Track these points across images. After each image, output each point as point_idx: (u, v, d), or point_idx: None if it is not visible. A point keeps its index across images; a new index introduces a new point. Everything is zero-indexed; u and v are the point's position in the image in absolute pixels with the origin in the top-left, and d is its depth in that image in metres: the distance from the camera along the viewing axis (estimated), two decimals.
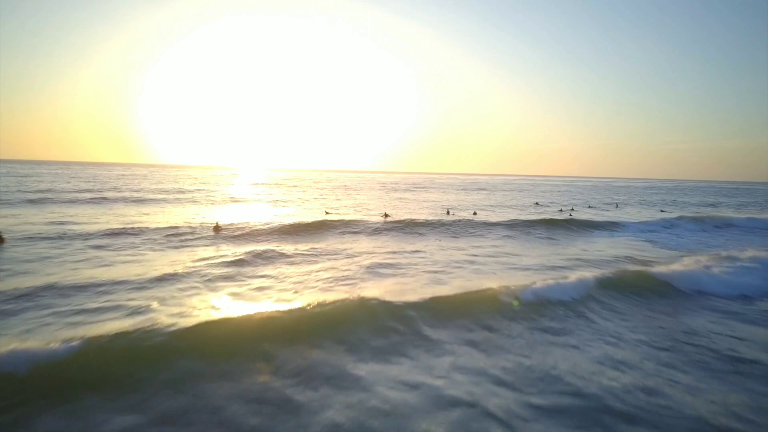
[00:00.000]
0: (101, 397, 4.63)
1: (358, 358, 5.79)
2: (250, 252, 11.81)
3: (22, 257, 10.66)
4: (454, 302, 7.79)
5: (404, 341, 6.40)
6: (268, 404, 4.64)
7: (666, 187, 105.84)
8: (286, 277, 9.68)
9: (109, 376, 5.01)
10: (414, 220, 19.20)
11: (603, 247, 15.40)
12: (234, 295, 8.28)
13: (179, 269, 9.74)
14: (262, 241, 14.23)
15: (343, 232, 16.44)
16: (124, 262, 10.57)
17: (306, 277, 9.72)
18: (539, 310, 7.78)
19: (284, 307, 7.30)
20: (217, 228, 15.64)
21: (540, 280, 9.11)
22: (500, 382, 5.20)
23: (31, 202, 24.53)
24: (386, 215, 22.85)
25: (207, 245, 13.23)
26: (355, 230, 16.89)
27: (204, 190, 41.53)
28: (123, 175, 69.66)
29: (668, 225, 21.32)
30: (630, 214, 29.04)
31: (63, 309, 7.11)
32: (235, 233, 15.24)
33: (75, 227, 15.48)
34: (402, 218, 22.06)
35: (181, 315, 6.87)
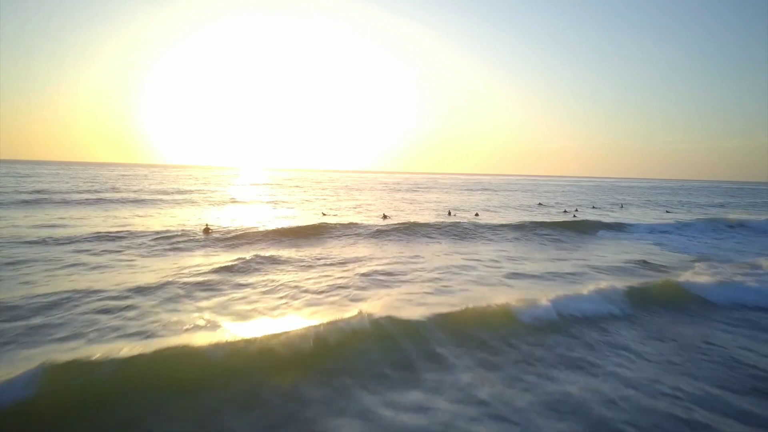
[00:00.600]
0: None
1: (356, 392, 5.06)
2: (238, 258, 11.16)
3: None
4: (464, 319, 7.06)
5: (412, 366, 5.71)
6: None
7: (670, 187, 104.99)
8: (275, 287, 8.99)
9: (56, 415, 4.37)
10: (414, 222, 18.38)
11: (613, 250, 14.80)
12: (214, 310, 7.46)
13: (160, 278, 9.11)
14: (254, 246, 13.60)
15: (339, 236, 15.73)
16: (102, 270, 9.93)
17: (297, 287, 9.01)
18: (561, 327, 7.16)
19: (271, 325, 6.62)
20: (206, 230, 15.21)
21: (558, 293, 8.40)
22: (522, 416, 4.61)
23: (26, 203, 24.06)
24: (385, 216, 22.47)
25: (195, 250, 12.58)
26: (353, 233, 16.15)
27: (203, 190, 41.05)
28: (124, 175, 69.27)
29: (679, 226, 20.53)
30: (636, 215, 28.39)
31: (13, 328, 6.37)
32: (227, 236, 14.59)
33: (62, 230, 14.92)
34: (402, 220, 21.48)
35: (150, 335, 6.26)
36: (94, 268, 10.12)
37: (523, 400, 4.91)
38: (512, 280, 10.12)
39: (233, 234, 14.93)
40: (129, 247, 12.48)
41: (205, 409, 4.60)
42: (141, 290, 8.27)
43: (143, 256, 11.55)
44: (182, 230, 15.24)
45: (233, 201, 31.23)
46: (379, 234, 16.16)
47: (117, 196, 30.25)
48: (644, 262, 12.53)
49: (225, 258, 11.49)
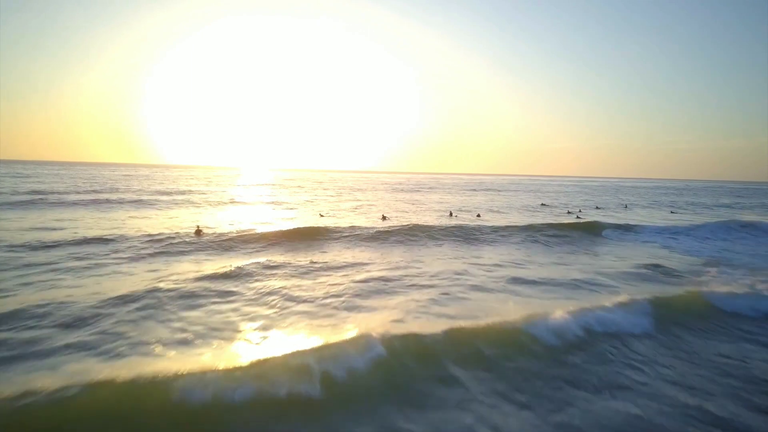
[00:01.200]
0: None
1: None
2: (227, 264, 10.60)
3: None
4: (476, 336, 6.37)
5: (422, 396, 5.07)
6: None
7: (672, 187, 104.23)
8: (263, 297, 8.35)
9: None
10: (415, 225, 17.62)
11: (623, 253, 14.22)
12: (189, 328, 6.62)
13: (140, 287, 8.48)
14: (246, 249, 13.06)
15: (336, 239, 15.10)
16: (81, 277, 9.33)
17: (289, 297, 8.37)
18: (583, 345, 6.50)
19: (253, 349, 5.85)
20: (198, 232, 14.78)
21: (574, 304, 7.80)
22: None
23: (21, 203, 23.61)
24: (384, 218, 22.12)
25: (184, 255, 11.97)
26: (351, 236, 15.52)
27: (203, 191, 40.59)
28: (125, 175, 68.84)
29: (688, 228, 19.79)
30: (642, 216, 27.91)
31: None
32: (219, 239, 13.99)
33: (51, 233, 14.40)
34: (402, 221, 20.92)
35: (114, 356, 5.63)
36: (73, 274, 9.56)
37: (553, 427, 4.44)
38: (521, 287, 9.53)
39: (226, 237, 14.35)
40: (116, 251, 11.90)
41: None
42: (114, 302, 7.61)
43: (129, 261, 10.98)
44: (175, 233, 14.67)
45: (232, 202, 30.77)
46: (377, 237, 15.55)
47: (115, 196, 29.82)
48: (657, 266, 11.95)
49: (213, 264, 10.92)
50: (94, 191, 34.17)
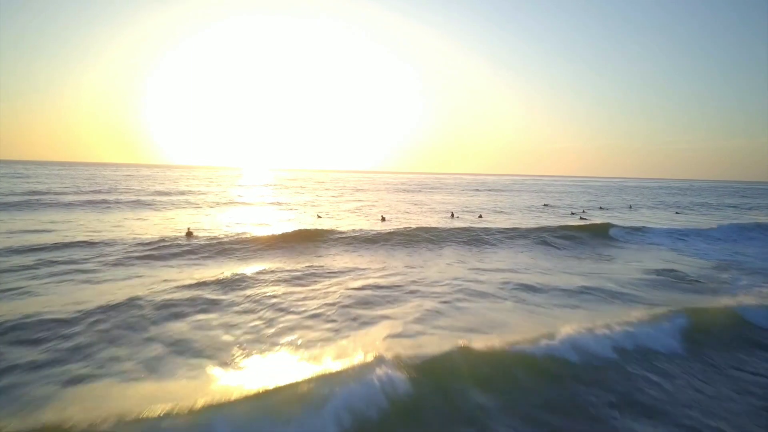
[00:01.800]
0: None
1: None
2: (214, 273, 9.87)
3: None
4: (492, 357, 5.60)
5: None
6: None
7: (675, 187, 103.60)
8: (251, 310, 7.62)
9: None
10: (416, 228, 16.93)
11: (635, 258, 13.61)
12: (166, 348, 5.96)
13: (118, 297, 7.81)
14: (236, 254, 12.43)
15: (333, 243, 14.46)
16: (56, 287, 8.63)
17: (279, 309, 7.64)
18: (612, 366, 5.78)
19: (234, 377, 5.12)
20: (188, 234, 14.32)
21: (594, 318, 7.07)
22: None
23: (15, 205, 23.16)
24: (383, 219, 21.79)
25: (172, 261, 11.31)
26: (348, 239, 14.88)
27: (202, 191, 40.12)
28: (126, 176, 68.42)
29: (699, 230, 19.14)
30: (647, 217, 27.44)
31: None
32: (210, 242, 13.34)
33: (37, 236, 13.85)
34: (402, 222, 20.54)
35: (75, 382, 4.96)
36: (50, 281, 8.96)
37: None
38: (531, 296, 8.88)
39: (218, 240, 13.74)
40: (102, 255, 11.32)
41: None
42: (86, 314, 6.92)
43: (112, 267, 10.34)
44: (166, 236, 14.09)
45: (230, 203, 30.29)
46: (376, 240, 14.93)
47: (112, 197, 29.37)
48: (672, 271, 11.38)
49: (201, 271, 10.30)
50: (92, 192, 33.77)
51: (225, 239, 13.86)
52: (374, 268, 11.22)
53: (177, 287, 8.61)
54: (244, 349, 6.01)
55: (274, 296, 8.46)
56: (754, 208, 38.87)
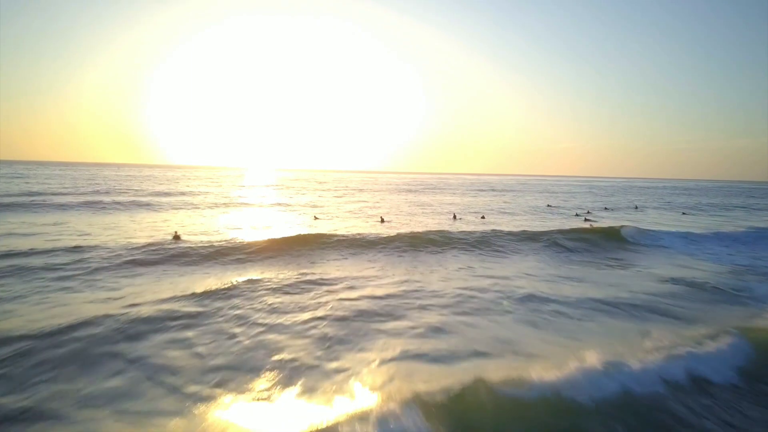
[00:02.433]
0: None
1: None
2: (197, 284, 9.09)
3: None
4: (525, 405, 4.50)
5: None
6: None
7: (679, 187, 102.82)
8: (235, 330, 6.70)
9: None
10: (416, 232, 15.88)
11: (654, 264, 12.76)
12: (131, 378, 5.13)
13: (87, 312, 7.03)
14: (224, 260, 11.62)
15: (327, 248, 13.57)
16: (23, 299, 7.83)
17: (264, 329, 6.73)
18: (665, 403, 4.68)
19: (214, 423, 4.27)
20: (176, 237, 13.70)
21: (630, 344, 6.06)
22: None
23: (6, 207, 22.62)
24: (383, 220, 21.37)
25: (155, 269, 10.50)
26: (344, 245, 14.02)
27: (201, 192, 39.57)
28: (127, 176, 67.99)
29: (715, 234, 18.20)
30: (654, 218, 26.83)
31: None
32: (199, 249, 12.45)
33: (20, 241, 13.18)
34: (402, 225, 19.89)
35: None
36: (18, 293, 8.15)
37: None
38: (547, 310, 7.96)
39: (206, 245, 12.90)
40: (82, 261, 10.60)
41: None
42: (48, 333, 6.13)
43: (89, 276, 9.55)
44: (153, 240, 13.40)
45: (227, 204, 29.71)
46: (375, 245, 14.05)
47: (109, 198, 28.84)
48: (696, 280, 10.52)
49: (184, 281, 9.50)
50: (90, 193, 33.31)
51: (213, 244, 13.09)
52: (371, 277, 10.48)
53: (154, 301, 7.82)
54: (216, 384, 5.08)
55: (261, 310, 7.65)
56: (763, 209, 38.12)
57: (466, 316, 7.65)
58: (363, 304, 8.15)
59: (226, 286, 8.91)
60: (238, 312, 7.52)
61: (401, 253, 13.37)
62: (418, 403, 4.28)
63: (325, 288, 9.25)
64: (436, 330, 6.92)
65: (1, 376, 5.08)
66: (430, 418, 4.12)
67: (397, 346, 6.21)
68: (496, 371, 5.17)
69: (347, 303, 8.20)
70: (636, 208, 34.87)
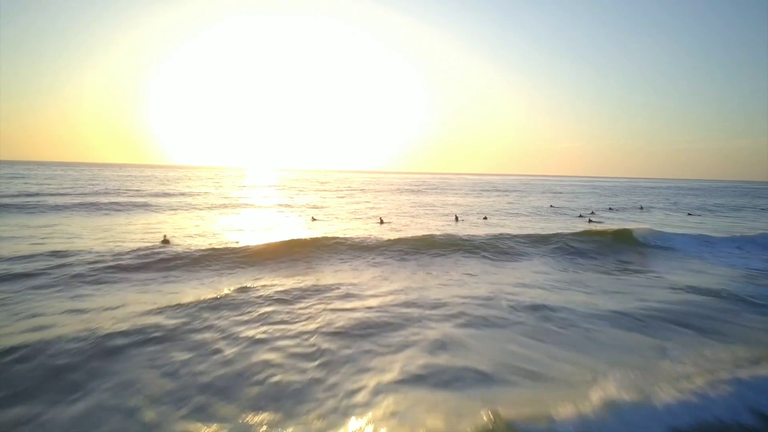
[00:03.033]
0: None
1: None
2: (179, 296, 8.29)
3: None
4: None
5: None
6: None
7: (682, 187, 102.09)
8: (206, 354, 5.83)
9: None
10: (417, 236, 15.05)
11: (673, 271, 12.00)
12: (75, 413, 4.40)
13: (54, 327, 6.36)
14: (212, 267, 10.87)
15: (324, 253, 12.87)
16: None
17: (247, 350, 5.95)
18: None
19: None
20: (165, 241, 13.13)
21: (678, 374, 5.18)
22: None
23: None
24: (382, 221, 20.93)
25: (137, 275, 9.82)
26: (341, 249, 13.31)
27: (200, 193, 39.10)
28: (127, 177, 67.58)
29: (730, 238, 17.21)
30: (660, 219, 26.28)
31: None
32: (187, 254, 11.72)
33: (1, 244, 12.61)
34: (401, 226, 19.42)
35: None
36: None
37: None
38: (565, 324, 7.22)
39: (195, 250, 12.17)
40: (60, 268, 9.88)
41: None
42: (3, 354, 5.41)
43: (65, 283, 8.88)
44: (141, 245, 12.73)
45: (224, 205, 29.20)
46: (373, 250, 13.34)
47: (105, 199, 28.33)
48: (713, 290, 9.68)
49: (165, 291, 8.75)
50: (88, 193, 32.88)
51: (203, 248, 12.40)
52: (369, 284, 9.83)
53: (130, 314, 7.13)
54: (192, 411, 4.47)
55: (248, 323, 7.01)
56: None
57: (472, 330, 7.02)
58: (359, 316, 7.48)
59: (211, 296, 8.21)
60: (223, 324, 6.88)
61: (401, 259, 12.71)
62: None
63: (319, 297, 8.59)
64: (440, 346, 6.28)
65: None
66: None
67: (396, 367, 5.57)
68: (510, 401, 4.53)
69: (342, 314, 7.54)
70: (641, 208, 34.33)
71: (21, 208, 22.21)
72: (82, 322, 6.74)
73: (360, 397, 4.83)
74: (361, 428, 4.21)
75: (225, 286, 9.08)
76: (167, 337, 6.30)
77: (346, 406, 4.65)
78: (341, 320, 7.24)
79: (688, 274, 11.63)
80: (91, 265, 10.21)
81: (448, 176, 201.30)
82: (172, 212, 23.96)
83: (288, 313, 7.60)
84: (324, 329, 6.85)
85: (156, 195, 34.73)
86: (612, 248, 14.92)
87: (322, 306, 8.03)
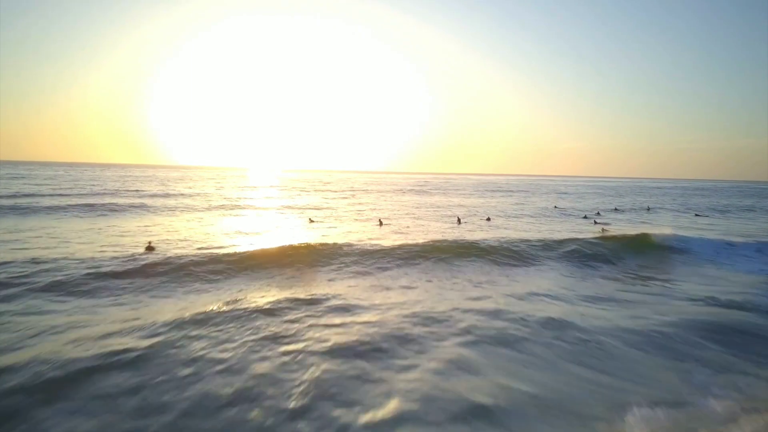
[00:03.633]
0: None
1: None
2: (153, 315, 7.27)
3: None
4: None
5: None
6: None
7: (686, 187, 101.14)
8: (174, 394, 4.84)
9: None
10: (418, 243, 14.01)
11: (686, 278, 11.30)
12: None
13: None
14: (197, 279, 9.95)
15: (319, 259, 11.93)
16: None
17: (217, 382, 5.07)
18: None
19: None
20: (149, 248, 12.39)
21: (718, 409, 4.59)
22: None
23: None
24: (381, 223, 20.41)
25: (106, 291, 8.81)
26: (338, 255, 12.41)
27: (199, 194, 38.48)
28: (128, 177, 67.10)
29: (749, 243, 16.18)
30: (668, 220, 25.61)
31: None
32: (172, 263, 10.84)
33: None
34: (402, 228, 18.74)
35: None
36: None
37: None
38: (584, 349, 6.36)
39: (179, 258, 11.27)
40: (30, 277, 9.14)
41: None
42: None
43: (25, 299, 7.99)
44: (121, 253, 11.87)
45: (224, 206, 28.56)
46: (372, 256, 12.41)
47: (102, 201, 27.70)
48: (742, 304, 8.82)
49: (137, 308, 7.86)
50: (86, 194, 32.32)
51: (189, 255, 11.54)
52: (365, 297, 8.96)
53: (92, 336, 6.24)
54: None
55: (227, 342, 6.18)
56: None
57: (481, 351, 6.24)
58: (354, 334, 6.68)
59: (188, 312, 7.35)
60: (195, 347, 6.04)
61: (400, 265, 11.90)
62: None
63: (309, 311, 7.76)
64: (445, 372, 5.49)
65: None
66: None
67: (393, 402, 4.76)
68: None
69: (334, 332, 6.75)
70: (648, 209, 33.65)
71: (13, 210, 21.65)
72: (39, 345, 5.98)
73: None
74: None
75: (204, 301, 8.29)
76: (131, 363, 5.51)
77: None
78: (331, 339, 6.47)
79: (711, 283, 10.86)
80: (67, 274, 9.46)
81: (450, 176, 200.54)
82: (169, 214, 23.38)
83: (272, 330, 6.82)
84: (312, 350, 6.08)
85: (155, 196, 34.19)
86: (629, 254, 14.05)
87: (312, 321, 7.25)
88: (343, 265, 11.72)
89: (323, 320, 7.35)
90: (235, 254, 11.79)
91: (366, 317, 7.55)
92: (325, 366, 5.61)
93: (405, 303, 8.54)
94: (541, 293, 9.54)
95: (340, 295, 8.91)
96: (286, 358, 5.82)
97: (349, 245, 13.57)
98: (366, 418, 4.46)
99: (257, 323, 7.08)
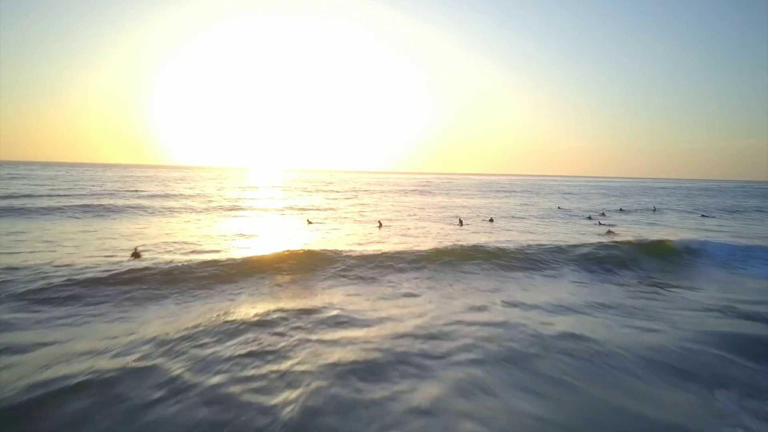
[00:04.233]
0: None
1: None
2: (128, 336, 6.42)
3: None
4: None
5: None
6: None
7: (692, 187, 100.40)
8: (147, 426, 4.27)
9: None
10: (421, 250, 12.99)
11: (705, 287, 10.66)
12: None
13: None
14: (183, 291, 9.15)
15: (313, 267, 11.13)
16: None
17: (196, 415, 4.43)
18: None
19: None
20: (135, 255, 11.76)
21: None
22: None
23: None
24: (380, 225, 20.05)
25: (83, 303, 8.10)
26: (335, 261, 11.60)
27: (199, 195, 37.96)
28: (126, 177, 66.74)
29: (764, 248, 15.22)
30: (676, 221, 25.04)
31: None
32: (158, 270, 10.08)
33: None
34: (402, 230, 18.21)
35: None
36: None
37: None
38: (602, 371, 5.72)
39: (169, 264, 10.55)
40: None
41: None
42: None
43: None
44: (105, 260, 11.25)
45: (222, 207, 28.08)
46: (370, 262, 11.64)
47: (98, 202, 27.19)
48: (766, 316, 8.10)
49: (112, 325, 7.08)
50: (83, 195, 31.86)
51: (177, 263, 10.76)
52: (362, 308, 8.26)
53: (62, 356, 5.59)
54: None
55: (209, 364, 5.50)
56: None
57: (491, 369, 5.64)
58: (350, 352, 6.06)
59: (171, 328, 6.68)
60: (176, 366, 5.39)
61: (399, 271, 11.23)
62: None
63: (304, 325, 7.09)
64: (446, 402, 4.85)
65: None
66: None
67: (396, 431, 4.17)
68: None
69: (326, 350, 6.11)
70: (654, 210, 33.06)
71: (5, 211, 21.17)
72: None
73: None
74: None
75: (189, 312, 7.72)
76: (98, 386, 4.84)
77: None
78: (322, 358, 5.85)
79: (730, 290, 10.24)
80: (40, 284, 8.80)
81: (453, 176, 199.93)
82: (167, 215, 22.90)
83: (260, 346, 6.19)
84: (302, 371, 5.44)
85: (154, 196, 33.72)
86: (644, 259, 13.31)
87: (303, 336, 6.61)
88: (339, 271, 11.03)
89: (316, 335, 6.73)
90: (226, 260, 11.09)
91: (363, 332, 6.94)
92: (311, 387, 5.02)
93: (406, 314, 7.92)
94: (552, 303, 8.89)
95: (335, 305, 8.29)
96: (268, 379, 5.20)
97: (348, 249, 12.93)
98: None
99: (245, 336, 6.49)
